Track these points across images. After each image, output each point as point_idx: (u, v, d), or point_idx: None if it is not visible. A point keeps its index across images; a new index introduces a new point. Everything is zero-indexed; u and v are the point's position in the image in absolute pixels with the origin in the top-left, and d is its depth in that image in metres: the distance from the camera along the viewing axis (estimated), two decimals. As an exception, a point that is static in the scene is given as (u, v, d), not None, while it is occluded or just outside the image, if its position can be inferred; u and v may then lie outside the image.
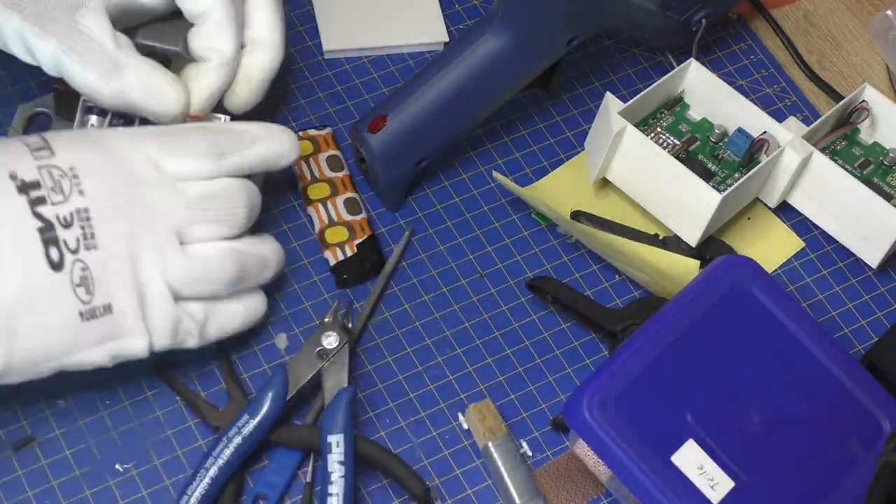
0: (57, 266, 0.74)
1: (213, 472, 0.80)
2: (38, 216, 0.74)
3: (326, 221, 0.91)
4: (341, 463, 0.80)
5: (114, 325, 0.76)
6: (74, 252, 0.74)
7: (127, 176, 0.77)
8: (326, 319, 0.85)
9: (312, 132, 0.94)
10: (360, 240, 0.90)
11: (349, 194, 0.92)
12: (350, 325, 0.85)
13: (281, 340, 0.87)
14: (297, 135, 0.85)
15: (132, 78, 0.82)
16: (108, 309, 0.76)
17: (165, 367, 0.85)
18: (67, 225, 0.74)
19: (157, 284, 0.77)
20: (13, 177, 0.74)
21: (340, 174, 0.93)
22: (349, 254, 0.90)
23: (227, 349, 0.85)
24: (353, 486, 0.80)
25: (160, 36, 0.89)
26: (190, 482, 0.80)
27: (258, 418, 0.81)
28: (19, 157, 0.75)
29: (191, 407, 0.84)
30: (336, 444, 0.80)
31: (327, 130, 0.94)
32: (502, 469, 0.83)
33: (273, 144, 0.83)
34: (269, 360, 0.86)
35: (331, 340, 0.84)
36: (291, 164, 0.84)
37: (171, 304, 0.78)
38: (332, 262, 0.90)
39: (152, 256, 0.77)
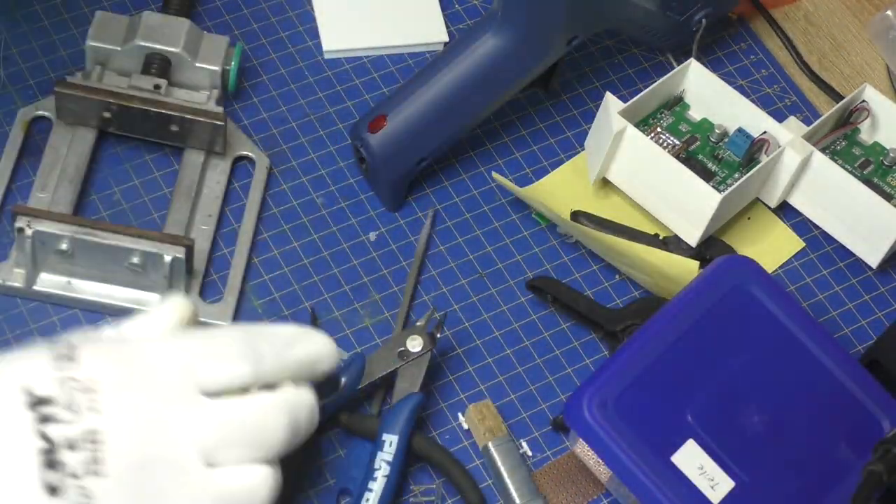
0: (54, 491, 0.65)
1: None
2: (43, 436, 0.65)
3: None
4: (388, 463, 0.80)
5: None
6: (77, 478, 0.65)
7: (153, 391, 0.69)
8: (418, 323, 0.85)
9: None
10: None
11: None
12: (439, 335, 0.85)
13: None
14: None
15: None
16: None
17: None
18: (73, 447, 0.66)
19: None
20: (26, 391, 0.66)
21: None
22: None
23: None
24: (395, 489, 0.80)
25: (160, 37, 0.89)
26: None
27: (326, 400, 0.81)
28: (38, 368, 0.67)
29: None
30: (389, 444, 0.81)
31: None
32: (502, 469, 0.83)
33: (311, 347, 0.74)
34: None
35: (415, 344, 0.84)
36: (331, 369, 0.75)
37: None
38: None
39: (172, 486, 0.68)
